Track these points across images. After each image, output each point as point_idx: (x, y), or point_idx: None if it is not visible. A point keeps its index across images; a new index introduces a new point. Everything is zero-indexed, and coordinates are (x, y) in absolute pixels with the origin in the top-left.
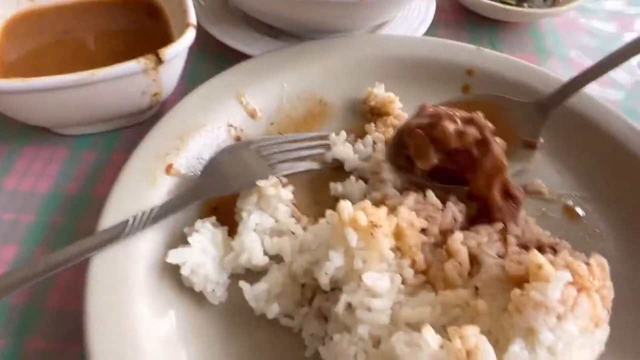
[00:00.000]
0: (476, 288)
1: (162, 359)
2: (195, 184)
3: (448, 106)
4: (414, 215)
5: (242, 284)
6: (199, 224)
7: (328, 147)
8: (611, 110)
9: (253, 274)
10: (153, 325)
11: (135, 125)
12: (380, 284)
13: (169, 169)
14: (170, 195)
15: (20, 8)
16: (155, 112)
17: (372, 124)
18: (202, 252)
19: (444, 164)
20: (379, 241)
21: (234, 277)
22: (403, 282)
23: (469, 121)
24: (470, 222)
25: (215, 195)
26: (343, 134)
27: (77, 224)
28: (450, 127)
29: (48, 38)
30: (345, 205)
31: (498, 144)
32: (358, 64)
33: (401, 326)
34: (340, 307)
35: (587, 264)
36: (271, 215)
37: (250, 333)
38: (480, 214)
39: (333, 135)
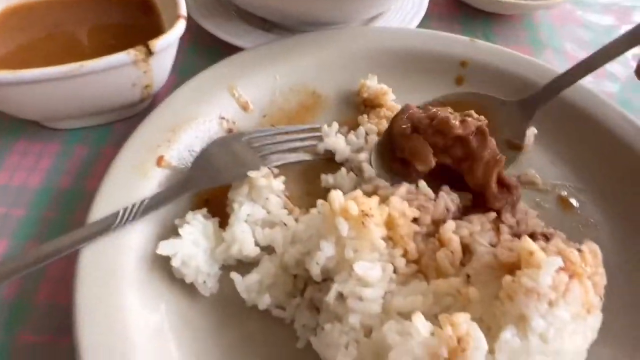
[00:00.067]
0: (468, 276)
1: (153, 351)
2: (186, 176)
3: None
4: (405, 204)
5: (234, 275)
6: (190, 215)
7: (320, 138)
8: (605, 102)
9: (245, 266)
10: (143, 318)
11: (127, 118)
12: (371, 273)
13: (159, 161)
14: (161, 187)
15: (10, 2)
16: (147, 105)
17: (365, 116)
18: (193, 243)
19: (440, 160)
20: (370, 230)
21: (226, 268)
22: (395, 272)
23: (464, 115)
24: (464, 212)
25: (206, 187)
26: (335, 125)
27: (68, 218)
28: (451, 116)
29: (38, 32)
30: (336, 195)
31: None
32: (351, 56)
33: (393, 315)
34: (331, 297)
35: (579, 250)
36: (263, 206)
37: (241, 324)
38: (475, 204)
39: (325, 126)
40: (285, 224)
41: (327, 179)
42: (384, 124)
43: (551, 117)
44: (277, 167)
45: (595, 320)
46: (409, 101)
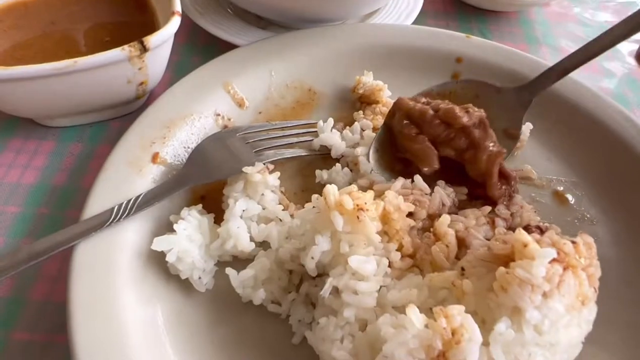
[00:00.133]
0: (462, 269)
1: (148, 346)
2: (180, 172)
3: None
4: (401, 199)
5: (229, 270)
6: (184, 211)
7: (315, 134)
8: (601, 97)
9: (240, 262)
10: (138, 314)
11: (123, 116)
12: (366, 267)
13: (155, 157)
14: (156, 184)
15: (6, 0)
16: (143, 103)
17: (361, 112)
18: (188, 239)
19: (442, 152)
20: (366, 225)
21: (221, 264)
22: (390, 266)
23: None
24: (460, 207)
25: (201, 183)
26: (330, 121)
27: (63, 215)
28: (455, 107)
29: (34, 30)
30: (331, 189)
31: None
32: (347, 53)
33: (388, 309)
34: (326, 291)
35: (574, 242)
36: (258, 202)
37: (237, 320)
38: (471, 196)
39: (321, 122)
40: (280, 220)
41: (322, 174)
42: (380, 120)
43: (547, 113)
44: (272, 162)
45: (590, 312)
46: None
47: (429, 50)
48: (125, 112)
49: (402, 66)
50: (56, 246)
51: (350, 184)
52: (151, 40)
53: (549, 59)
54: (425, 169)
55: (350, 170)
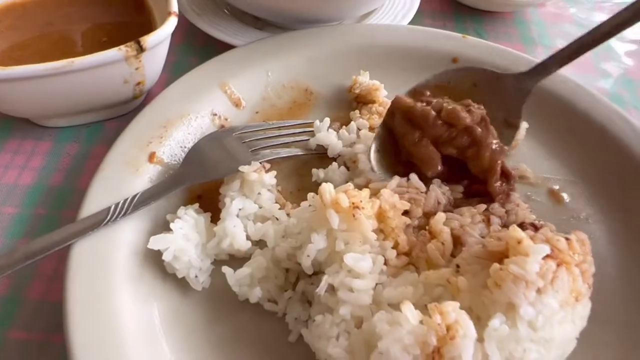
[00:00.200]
0: (457, 266)
1: (144, 346)
2: (177, 171)
3: (420, 90)
4: (396, 197)
5: (225, 268)
6: (181, 210)
7: (312, 134)
8: (597, 97)
9: (237, 260)
10: (135, 313)
11: (120, 117)
12: (361, 265)
13: (151, 157)
14: (152, 183)
15: (3, 0)
16: (140, 103)
17: (357, 112)
18: (185, 238)
19: (444, 152)
20: (361, 223)
21: (218, 263)
22: (386, 264)
23: (465, 105)
24: (455, 205)
25: (197, 182)
26: (327, 120)
27: (60, 216)
28: (457, 107)
29: (31, 30)
30: (327, 187)
31: None
32: (343, 53)
33: (383, 306)
34: (321, 288)
35: (567, 239)
36: (255, 201)
37: (233, 318)
38: (467, 194)
39: (317, 122)
40: (277, 219)
41: (318, 173)
42: (376, 120)
43: (543, 112)
44: (268, 162)
45: (584, 308)
46: None
47: (425, 50)
48: (122, 113)
49: (399, 66)
50: (52, 245)
51: (346, 182)
52: (148, 40)
53: None
54: (429, 173)
55: (347, 169)
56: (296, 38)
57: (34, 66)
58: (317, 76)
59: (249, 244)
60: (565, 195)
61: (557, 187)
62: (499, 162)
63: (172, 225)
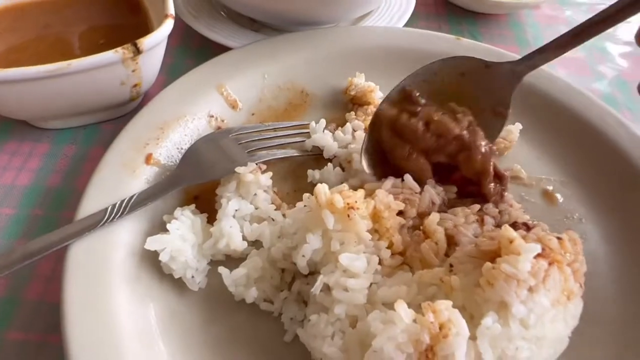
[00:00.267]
0: (451, 266)
1: (141, 346)
2: (174, 172)
3: (409, 91)
4: (391, 198)
5: (222, 269)
6: (178, 211)
7: (308, 135)
8: (590, 98)
9: (233, 261)
10: (132, 313)
11: (117, 118)
12: (356, 264)
13: (148, 158)
14: (149, 184)
15: (1, 3)
16: (137, 105)
17: (353, 113)
18: (181, 239)
19: (434, 160)
20: (356, 223)
21: (214, 263)
22: (380, 263)
23: (450, 111)
24: (449, 205)
25: (194, 183)
26: (322, 121)
27: (57, 217)
28: (445, 117)
29: (29, 33)
30: (322, 188)
31: None
32: (339, 55)
33: (378, 306)
34: (317, 288)
35: (559, 238)
36: (251, 202)
37: (230, 318)
38: (461, 195)
39: (313, 123)
40: (273, 219)
41: (314, 174)
42: None
43: (537, 113)
44: (264, 163)
45: (576, 307)
46: None
47: (421, 52)
48: (119, 114)
49: (394, 68)
50: (50, 246)
51: (341, 183)
52: (144, 42)
53: None
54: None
55: (342, 170)
56: (292, 40)
57: (31, 68)
58: (313, 78)
59: (245, 244)
60: (558, 196)
61: (550, 188)
62: (491, 162)
63: (168, 226)
